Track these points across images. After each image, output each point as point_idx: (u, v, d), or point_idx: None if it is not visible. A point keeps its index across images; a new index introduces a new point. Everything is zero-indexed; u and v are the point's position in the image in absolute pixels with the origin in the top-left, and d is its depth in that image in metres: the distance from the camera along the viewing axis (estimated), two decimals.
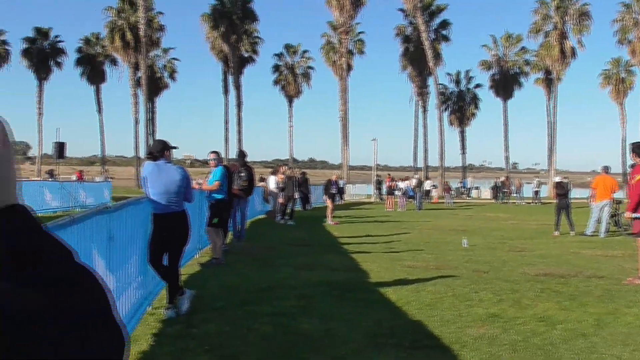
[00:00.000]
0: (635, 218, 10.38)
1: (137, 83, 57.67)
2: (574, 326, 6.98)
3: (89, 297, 0.85)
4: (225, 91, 63.86)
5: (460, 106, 67.24)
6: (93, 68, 63.94)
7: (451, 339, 6.39)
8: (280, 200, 21.52)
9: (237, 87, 61.25)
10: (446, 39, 59.68)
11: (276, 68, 67.03)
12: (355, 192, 49.73)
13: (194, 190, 8.06)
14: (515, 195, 46.22)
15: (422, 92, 62.31)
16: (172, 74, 65.99)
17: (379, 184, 46.07)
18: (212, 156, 11.56)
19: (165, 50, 64.63)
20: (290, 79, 66.25)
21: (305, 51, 67.17)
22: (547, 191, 51.45)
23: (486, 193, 53.08)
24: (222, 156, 12.52)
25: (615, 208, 19.27)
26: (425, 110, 62.60)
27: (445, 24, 59.56)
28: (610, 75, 60.76)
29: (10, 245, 0.84)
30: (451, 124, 67.13)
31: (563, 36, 56.00)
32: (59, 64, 64.94)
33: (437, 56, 57.74)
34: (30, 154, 70.39)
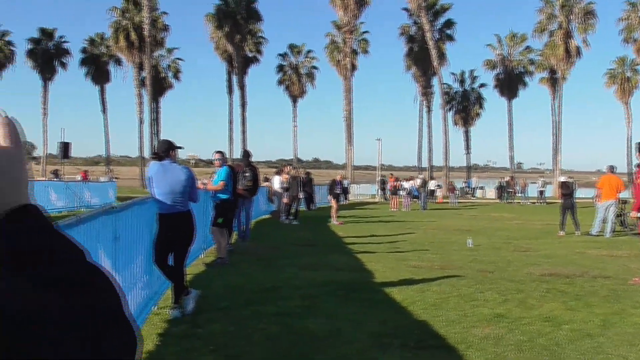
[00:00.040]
0: None
1: (142, 83, 57.80)
2: (580, 326, 6.97)
3: (101, 296, 0.85)
4: (230, 91, 63.95)
5: (464, 106, 67.17)
6: (97, 68, 64.11)
7: (457, 339, 6.38)
8: (285, 200, 21.53)
9: (242, 87, 61.32)
10: (450, 38, 59.67)
11: (280, 68, 67.06)
12: (359, 192, 49.69)
13: (199, 191, 8.05)
14: (520, 195, 46.14)
15: (427, 92, 62.28)
16: (176, 74, 66.12)
17: (383, 184, 46.03)
18: (217, 156, 11.57)
19: (170, 50, 64.78)
20: (295, 79, 66.26)
21: (309, 51, 67.24)
22: (552, 191, 51.36)
23: (491, 193, 52.99)
24: (227, 156, 12.50)
25: (621, 208, 19.21)
26: (429, 110, 62.65)
27: (449, 24, 59.52)
28: (616, 75, 60.66)
29: (23, 245, 0.84)
30: (455, 123, 67.08)
31: (568, 35, 55.90)
32: (63, 64, 65.17)
33: (442, 56, 57.69)
34: (35, 154, 70.41)
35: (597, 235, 18.01)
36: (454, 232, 19.34)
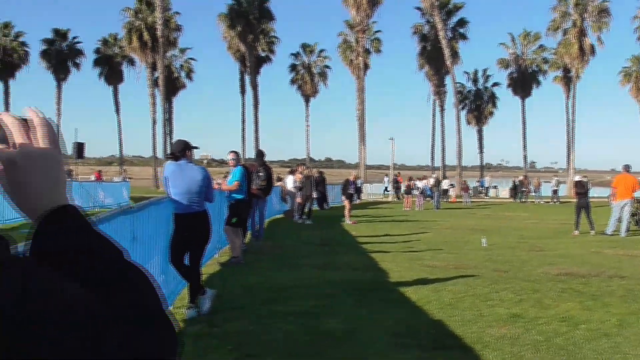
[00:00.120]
0: None
1: (155, 83, 57.96)
2: (596, 326, 6.93)
3: (141, 295, 0.86)
4: (242, 91, 64.08)
5: (477, 105, 66.89)
6: (111, 68, 64.40)
7: (473, 339, 6.36)
8: (298, 199, 21.54)
9: (254, 87, 61.35)
10: (463, 37, 59.42)
11: (293, 67, 67.09)
12: (372, 191, 49.61)
13: (214, 191, 8.08)
14: (533, 194, 45.91)
15: (440, 91, 62.09)
16: (189, 74, 66.31)
17: (396, 183, 45.95)
18: (231, 156, 11.59)
19: (182, 50, 64.99)
20: (307, 78, 66.26)
21: (321, 50, 67.25)
22: (565, 190, 51.05)
23: (504, 192, 52.74)
24: (240, 156, 12.53)
25: (636, 207, 19.08)
26: (442, 109, 62.41)
27: (462, 23, 59.29)
28: (631, 73, 60.16)
29: (62, 245, 0.85)
30: (468, 122, 66.83)
31: (582, 33, 55.52)
32: (77, 65, 65.58)
33: (455, 55, 57.46)
34: None
35: (612, 235, 17.90)
36: (468, 232, 19.27)
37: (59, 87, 64.84)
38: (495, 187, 56.51)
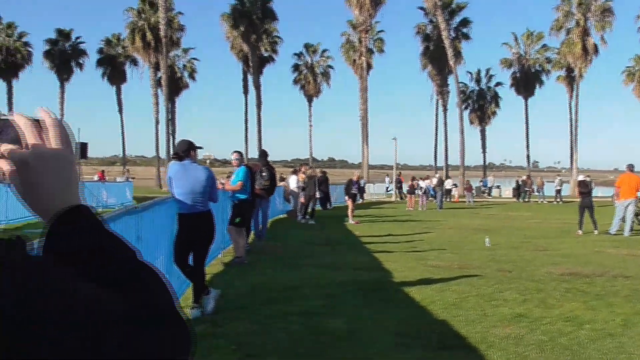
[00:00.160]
0: None
1: (158, 83, 58.00)
2: (601, 326, 6.92)
3: (154, 294, 0.86)
4: (245, 91, 64.11)
5: (480, 105, 66.87)
6: (114, 68, 64.45)
7: (477, 339, 6.36)
8: (302, 199, 21.54)
9: (257, 87, 61.38)
10: (466, 37, 59.41)
11: (296, 67, 67.10)
12: (375, 191, 49.58)
13: (218, 191, 8.08)
14: (537, 193, 45.85)
15: (443, 91, 62.08)
16: (192, 74, 66.35)
17: (399, 183, 45.94)
18: (235, 156, 11.60)
19: (185, 50, 65.02)
20: (310, 79, 66.27)
21: (324, 50, 67.28)
22: (569, 190, 50.97)
23: (507, 192, 52.67)
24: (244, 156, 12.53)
25: None
26: (445, 109, 62.41)
27: (465, 22, 59.28)
28: (634, 72, 60.09)
29: (76, 245, 0.85)
30: (472, 122, 66.79)
31: (585, 33, 55.41)
32: (80, 65, 65.62)
33: (458, 54, 57.43)
34: None
35: (616, 234, 17.88)
36: (471, 232, 19.26)
37: (62, 87, 64.93)
38: (498, 186, 56.44)
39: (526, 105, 64.67)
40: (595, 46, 56.08)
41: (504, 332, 6.65)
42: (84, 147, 39.78)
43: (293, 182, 22.14)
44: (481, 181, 57.54)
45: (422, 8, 59.29)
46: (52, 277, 0.74)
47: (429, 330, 6.71)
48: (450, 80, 60.10)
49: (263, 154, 15.58)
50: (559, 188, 44.82)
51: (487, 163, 72.27)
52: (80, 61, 65.49)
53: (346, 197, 23.94)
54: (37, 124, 0.91)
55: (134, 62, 63.41)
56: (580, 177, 21.93)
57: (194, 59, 67.23)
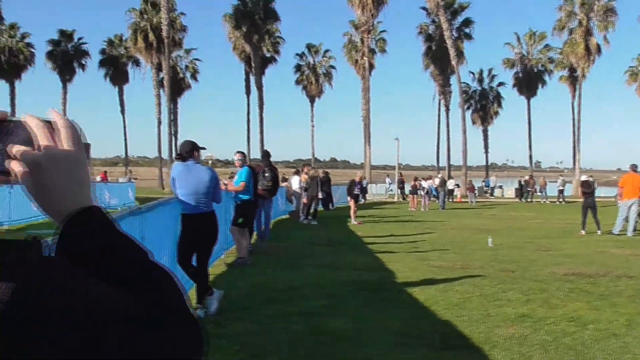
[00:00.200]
0: None
1: (160, 84, 57.99)
2: (605, 326, 6.91)
3: (166, 295, 0.86)
4: (247, 91, 64.05)
5: (483, 105, 66.80)
6: (116, 69, 64.48)
7: (481, 339, 6.35)
8: (304, 200, 21.54)
9: (259, 88, 61.35)
10: (469, 37, 59.36)
11: (298, 68, 67.05)
12: (377, 191, 49.57)
13: (221, 191, 8.08)
14: (539, 194, 45.80)
15: (445, 91, 62.01)
16: (194, 75, 66.28)
17: (401, 183, 45.95)
18: (238, 156, 11.59)
19: (188, 51, 64.94)
20: (312, 79, 66.22)
21: (327, 50, 67.17)
22: (571, 190, 50.92)
23: (509, 192, 52.62)
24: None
25: None
26: (448, 109, 62.38)
27: (467, 22, 59.22)
28: (637, 72, 60.01)
29: (88, 246, 0.86)
30: (474, 122, 66.74)
31: (588, 33, 55.30)
32: (82, 66, 65.61)
33: (460, 54, 57.35)
34: None
35: (619, 234, 17.86)
36: (473, 232, 19.24)
37: (65, 87, 64.96)
38: (500, 187, 56.38)
39: (528, 105, 64.70)
40: (598, 46, 55.98)
41: (508, 332, 6.65)
42: (87, 147, 39.92)
43: (295, 182, 22.14)
44: (483, 181, 57.52)
45: (424, 8, 59.33)
46: (68, 278, 0.75)
47: (432, 330, 6.70)
48: (453, 80, 60.06)
49: (266, 154, 15.58)
50: (561, 188, 44.79)
51: (489, 163, 72.29)
52: (83, 62, 65.55)
53: (348, 198, 23.94)
54: (48, 125, 0.91)
55: (136, 62, 63.44)
56: (584, 177, 21.91)
57: (196, 59, 67.25)
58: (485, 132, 67.96)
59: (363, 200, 34.34)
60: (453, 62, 55.53)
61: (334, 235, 17.22)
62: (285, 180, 25.41)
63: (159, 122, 58.01)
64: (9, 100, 62.68)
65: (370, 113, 57.19)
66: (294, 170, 26.07)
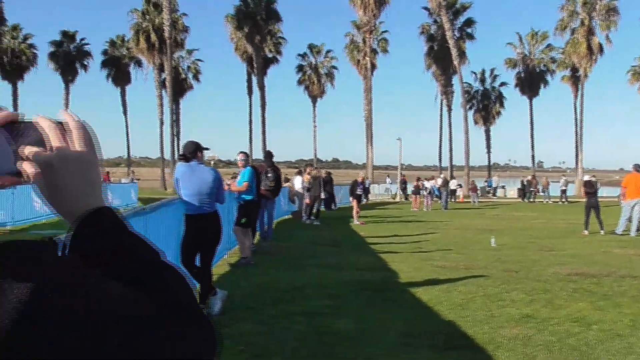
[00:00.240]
0: None
1: (162, 84, 58.01)
2: (609, 327, 6.90)
3: (177, 295, 0.86)
4: (249, 92, 64.06)
5: (485, 105, 66.76)
6: (118, 70, 64.56)
7: (485, 340, 6.35)
8: (307, 200, 21.54)
9: (261, 88, 61.37)
10: (471, 37, 59.31)
11: (300, 68, 67.11)
12: (380, 191, 49.57)
13: (225, 192, 8.08)
14: (542, 194, 45.77)
15: (447, 91, 61.99)
16: (196, 75, 66.31)
17: (403, 183, 45.98)
18: (241, 157, 11.60)
19: (190, 52, 64.99)
20: (314, 79, 66.26)
21: (329, 51, 67.23)
22: (574, 190, 50.87)
23: (512, 192, 52.60)
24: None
25: None
26: (450, 109, 62.31)
27: (469, 22, 59.19)
28: (639, 72, 59.92)
29: (100, 247, 0.86)
30: (476, 122, 66.71)
31: (590, 32, 55.28)
32: (84, 67, 65.72)
33: (462, 55, 57.34)
34: None
35: (622, 235, 17.84)
36: (476, 232, 19.24)
37: (67, 88, 65.05)
38: (503, 187, 56.35)
39: (531, 105, 64.60)
40: (600, 46, 55.96)
41: (512, 332, 6.64)
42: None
43: (298, 182, 22.14)
44: (486, 181, 57.46)
45: (426, 8, 59.31)
46: (84, 278, 0.75)
47: (436, 330, 6.70)
48: (455, 80, 60.07)
49: (268, 154, 15.57)
50: (564, 188, 44.77)
51: (491, 163, 72.23)
52: (85, 63, 65.66)
53: (351, 198, 23.93)
54: (60, 126, 0.91)
55: (139, 63, 63.51)
56: (587, 177, 21.88)
57: (198, 60, 67.28)
58: (487, 132, 67.95)
59: (365, 200, 34.36)
60: (455, 62, 55.52)
61: (336, 236, 17.22)
62: (287, 180, 25.41)
63: (161, 123, 58.04)
64: (12, 101, 62.82)
65: (372, 113, 57.24)
66: (296, 170, 26.08)
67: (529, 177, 47.97)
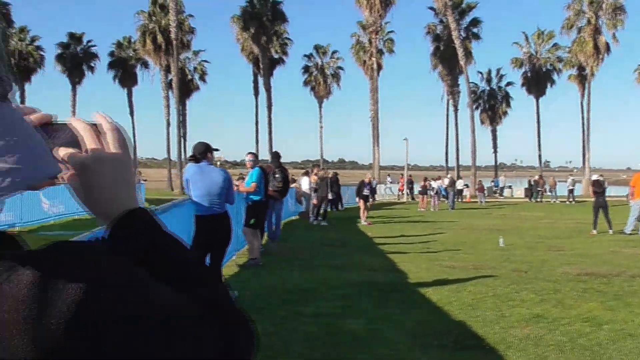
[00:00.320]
0: None
1: (169, 85, 58.07)
2: (621, 327, 6.87)
3: (218, 294, 0.86)
4: (256, 93, 64.08)
5: (491, 105, 66.59)
6: (125, 71, 64.67)
7: (496, 340, 6.33)
8: (314, 201, 21.54)
9: (268, 89, 61.40)
10: (477, 37, 59.20)
11: (306, 69, 67.06)
12: (386, 192, 49.50)
13: (234, 192, 8.09)
14: (549, 193, 45.63)
15: (453, 91, 61.88)
16: (202, 76, 66.34)
17: (410, 183, 45.92)
18: (249, 157, 11.61)
19: (196, 53, 65.02)
20: (320, 80, 66.22)
21: (334, 51, 67.15)
22: (581, 189, 50.70)
23: (519, 192, 52.45)
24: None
25: None
26: (456, 109, 62.22)
27: (475, 22, 59.08)
28: None
29: (134, 248, 0.86)
30: (482, 122, 66.53)
31: (597, 31, 55.07)
32: (91, 68, 65.82)
33: (468, 54, 57.20)
34: None
35: (631, 234, 17.77)
36: (484, 232, 19.20)
37: (74, 90, 65.17)
38: (509, 187, 56.19)
39: (537, 104, 64.44)
40: (607, 44, 55.73)
41: (523, 332, 6.62)
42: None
43: (305, 183, 22.15)
44: (492, 181, 57.33)
45: (432, 8, 59.22)
46: (135, 278, 0.75)
47: (447, 331, 6.69)
48: (461, 80, 59.92)
49: (276, 155, 15.55)
50: (571, 188, 44.62)
51: (498, 163, 72.05)
52: (92, 64, 65.77)
53: (357, 199, 23.93)
54: (94, 128, 0.91)
55: (145, 64, 63.58)
56: (594, 177, 21.80)
57: (205, 61, 67.29)
58: (494, 132, 67.77)
59: (372, 200, 34.37)
60: (461, 62, 55.41)
61: (344, 236, 17.23)
62: (294, 181, 25.42)
63: (168, 124, 58.13)
64: (19, 103, 62.81)
65: (378, 114, 57.19)
66: (303, 171, 26.09)
67: (536, 177, 47.81)
